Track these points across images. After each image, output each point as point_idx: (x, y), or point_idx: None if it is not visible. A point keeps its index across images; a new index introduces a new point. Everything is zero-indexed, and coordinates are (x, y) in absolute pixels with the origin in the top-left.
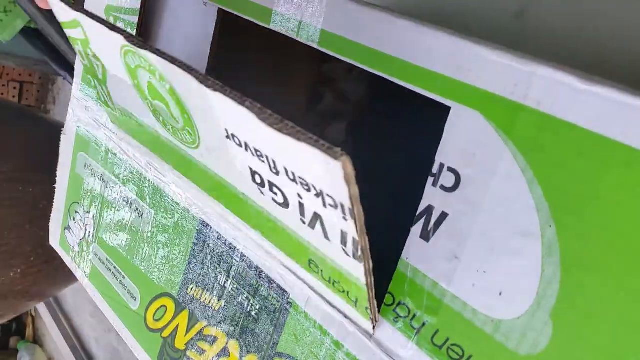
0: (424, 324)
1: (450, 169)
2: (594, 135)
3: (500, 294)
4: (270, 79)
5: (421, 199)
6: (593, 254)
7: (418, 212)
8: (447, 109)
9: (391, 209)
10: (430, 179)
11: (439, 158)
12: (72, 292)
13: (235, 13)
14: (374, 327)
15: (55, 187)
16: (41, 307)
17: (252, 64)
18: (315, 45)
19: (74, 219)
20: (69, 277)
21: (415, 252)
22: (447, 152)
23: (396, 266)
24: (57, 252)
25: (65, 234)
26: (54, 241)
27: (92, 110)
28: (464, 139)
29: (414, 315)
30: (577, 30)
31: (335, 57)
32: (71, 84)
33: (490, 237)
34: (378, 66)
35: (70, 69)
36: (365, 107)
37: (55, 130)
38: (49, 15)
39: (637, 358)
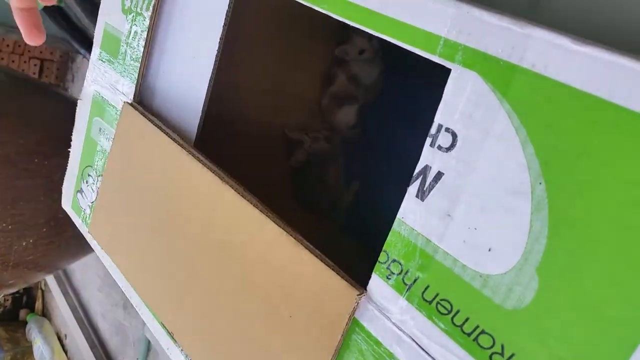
0: (415, 280)
1: (447, 130)
2: (585, 94)
3: (490, 249)
4: (285, 59)
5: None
6: (580, 211)
7: (415, 172)
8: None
9: (400, 180)
10: (429, 140)
11: (437, 119)
12: (80, 267)
13: None
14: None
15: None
16: (51, 281)
17: (267, 41)
18: (324, 10)
19: (86, 182)
20: (78, 251)
21: (411, 211)
22: (446, 113)
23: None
24: (68, 226)
25: (77, 196)
26: (66, 204)
27: (108, 75)
28: (462, 100)
29: (406, 272)
30: (592, 18)
31: (350, 37)
32: None
33: (482, 195)
34: (380, 27)
35: (90, 46)
36: (377, 90)
37: (72, 106)
38: None
39: (617, 311)
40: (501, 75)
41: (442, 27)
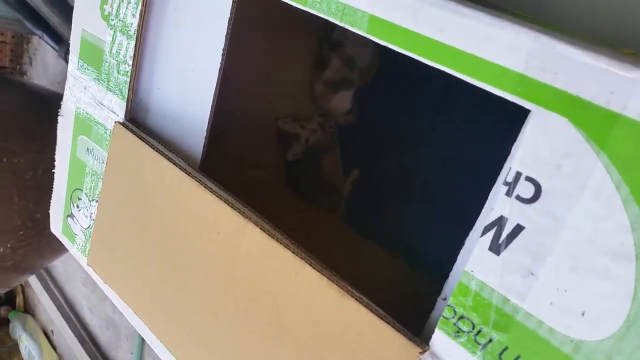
0: (490, 340)
1: (529, 179)
2: None
3: (583, 314)
4: (273, 43)
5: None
6: None
7: (487, 223)
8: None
9: (405, 171)
10: (504, 188)
11: (515, 166)
12: (62, 260)
13: None
14: None
15: (42, 155)
16: (31, 277)
17: (253, 26)
18: (362, 33)
19: (77, 207)
20: (60, 248)
21: (483, 265)
22: (526, 160)
23: (447, 274)
24: (47, 224)
25: (67, 221)
26: (56, 229)
27: (92, 90)
28: (547, 147)
29: (479, 331)
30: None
31: None
32: (49, 44)
33: (574, 255)
34: (442, 60)
35: (46, 26)
36: (372, 72)
37: (36, 94)
38: None
39: None
40: (598, 123)
41: (517, 61)
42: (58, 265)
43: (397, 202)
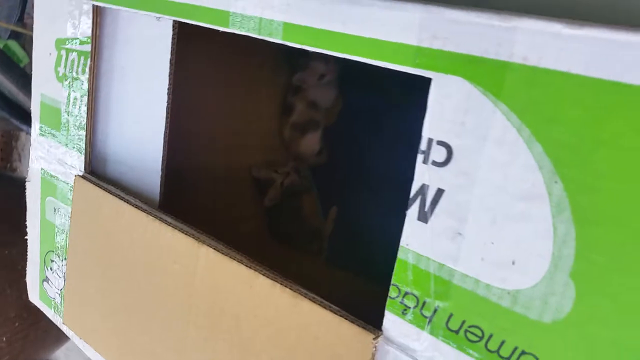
0: (435, 311)
1: (440, 143)
2: (591, 80)
3: (513, 262)
4: (237, 95)
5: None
6: (607, 204)
7: (412, 194)
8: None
9: (384, 203)
10: (420, 157)
11: (426, 133)
12: (64, 353)
13: (190, 22)
14: None
15: None
16: None
17: (215, 80)
18: (279, 40)
19: (51, 269)
20: (58, 338)
21: (415, 236)
22: (434, 126)
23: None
24: (42, 313)
25: (44, 286)
26: (34, 296)
27: (53, 150)
28: (450, 109)
29: (424, 303)
30: None
31: (306, 63)
32: None
33: (491, 207)
34: (349, 50)
35: (30, 121)
36: (336, 111)
37: (25, 187)
38: (3, 66)
39: None
40: (491, 75)
41: (411, 35)
42: (60, 358)
43: (377, 233)
